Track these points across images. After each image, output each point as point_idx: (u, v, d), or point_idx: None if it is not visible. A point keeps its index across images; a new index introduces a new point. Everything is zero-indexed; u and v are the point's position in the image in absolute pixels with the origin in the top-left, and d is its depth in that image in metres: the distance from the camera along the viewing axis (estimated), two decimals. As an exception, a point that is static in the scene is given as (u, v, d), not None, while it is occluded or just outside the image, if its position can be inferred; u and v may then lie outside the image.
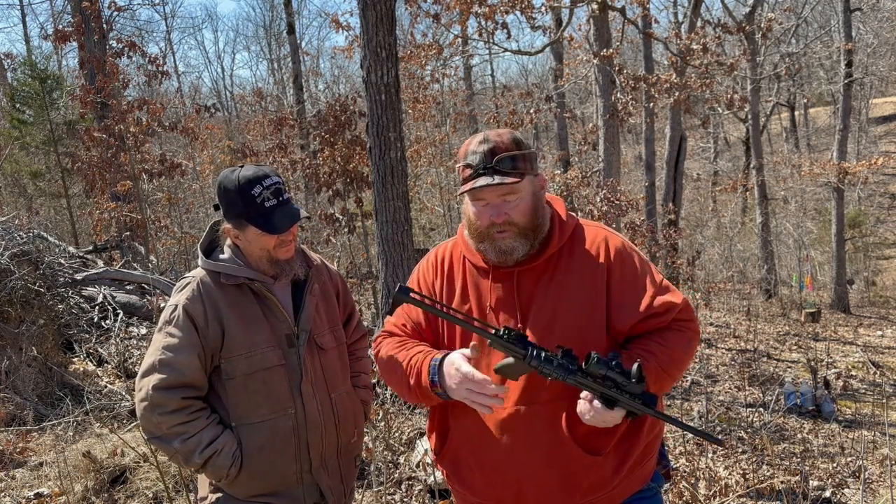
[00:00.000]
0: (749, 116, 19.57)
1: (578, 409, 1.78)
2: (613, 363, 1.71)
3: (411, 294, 1.78)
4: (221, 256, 2.21)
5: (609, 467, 1.89)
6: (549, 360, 1.72)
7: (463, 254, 2.03)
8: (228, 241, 2.22)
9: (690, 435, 5.64)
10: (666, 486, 2.14)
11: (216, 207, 2.20)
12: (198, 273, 2.20)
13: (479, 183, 1.82)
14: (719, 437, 6.25)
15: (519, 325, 1.90)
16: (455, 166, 1.98)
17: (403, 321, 2.08)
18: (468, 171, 1.86)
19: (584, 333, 1.85)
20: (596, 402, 1.74)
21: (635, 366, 1.71)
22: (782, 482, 4.59)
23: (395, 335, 2.09)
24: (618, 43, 12.02)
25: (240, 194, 2.11)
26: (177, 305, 2.13)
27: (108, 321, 7.18)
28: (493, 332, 1.76)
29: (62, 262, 8.04)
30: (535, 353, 1.73)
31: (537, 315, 1.89)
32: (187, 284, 2.18)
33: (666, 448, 2.17)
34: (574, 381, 1.73)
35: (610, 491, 1.91)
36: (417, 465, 4.37)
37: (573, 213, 2.05)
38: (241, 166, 2.18)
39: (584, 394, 1.77)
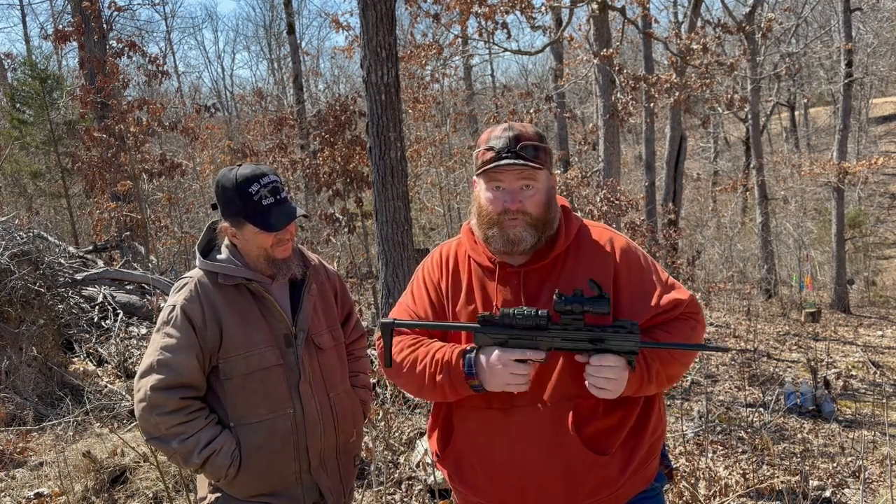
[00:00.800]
0: (749, 116, 19.56)
1: (588, 384, 1.79)
2: (578, 292, 1.77)
3: (395, 321, 1.90)
4: (219, 257, 2.21)
5: (614, 468, 1.89)
6: (521, 312, 1.78)
7: (468, 253, 2.02)
8: (226, 241, 2.22)
9: (690, 435, 5.64)
10: (666, 486, 2.14)
11: (214, 206, 2.20)
12: (195, 273, 2.20)
13: (503, 162, 1.84)
14: (721, 426, 6.25)
15: None
16: (474, 152, 1.98)
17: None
18: (490, 154, 1.86)
19: None
20: (593, 359, 1.76)
21: (589, 281, 1.79)
22: (782, 482, 4.59)
23: (404, 334, 2.09)
24: (618, 43, 12.02)
25: (237, 192, 2.11)
26: (174, 306, 2.13)
27: (108, 321, 7.17)
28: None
29: (62, 262, 8.03)
30: (504, 311, 1.79)
31: None
32: (185, 285, 2.18)
33: (666, 448, 2.17)
34: (559, 330, 1.78)
35: (615, 491, 1.90)
36: (417, 465, 4.36)
37: (576, 214, 2.05)
38: (239, 165, 2.18)
39: (585, 371, 1.79)
